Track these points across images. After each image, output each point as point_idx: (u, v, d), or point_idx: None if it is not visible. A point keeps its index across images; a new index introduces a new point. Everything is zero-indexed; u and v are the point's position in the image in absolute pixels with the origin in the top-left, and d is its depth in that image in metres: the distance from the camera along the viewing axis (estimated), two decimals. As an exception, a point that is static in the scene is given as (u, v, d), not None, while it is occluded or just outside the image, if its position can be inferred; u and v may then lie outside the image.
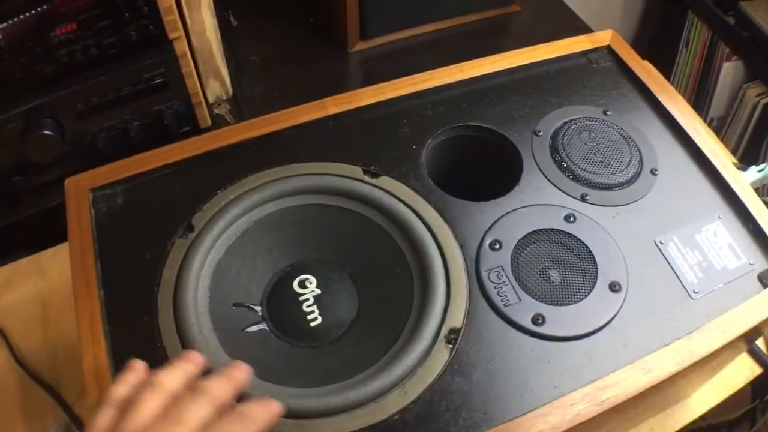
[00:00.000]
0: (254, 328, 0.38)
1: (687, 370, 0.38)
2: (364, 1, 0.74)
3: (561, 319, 0.36)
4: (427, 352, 0.34)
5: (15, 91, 0.58)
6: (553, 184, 0.42)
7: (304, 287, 0.39)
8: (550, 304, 0.37)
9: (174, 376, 0.30)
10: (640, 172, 0.44)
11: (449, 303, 0.36)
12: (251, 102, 0.73)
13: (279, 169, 0.42)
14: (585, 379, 0.35)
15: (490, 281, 0.37)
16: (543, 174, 0.43)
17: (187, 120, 0.67)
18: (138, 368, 0.31)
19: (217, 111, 0.72)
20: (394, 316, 0.37)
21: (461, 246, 0.39)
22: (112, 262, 0.40)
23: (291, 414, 0.32)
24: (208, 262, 0.39)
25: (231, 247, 0.40)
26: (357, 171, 0.42)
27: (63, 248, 0.40)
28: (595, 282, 0.38)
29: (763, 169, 0.63)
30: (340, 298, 0.39)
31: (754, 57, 1.04)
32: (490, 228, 0.39)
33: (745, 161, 0.71)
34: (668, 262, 0.40)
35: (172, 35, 0.61)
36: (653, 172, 0.44)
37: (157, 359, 0.35)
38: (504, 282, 0.37)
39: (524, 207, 0.41)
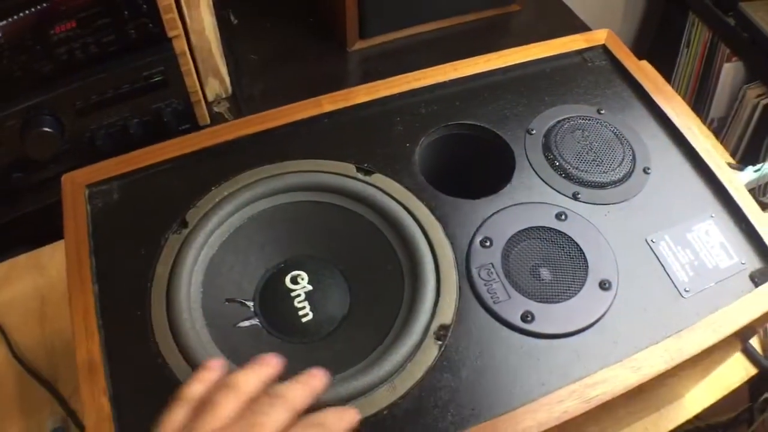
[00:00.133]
0: (246, 323, 0.38)
1: (679, 369, 0.38)
2: (363, 1, 0.74)
3: (550, 316, 0.36)
4: (417, 347, 0.35)
5: (15, 89, 0.59)
6: (545, 183, 0.42)
7: (296, 283, 0.39)
8: (540, 302, 0.37)
9: (251, 378, 0.29)
10: (632, 171, 0.44)
11: (439, 299, 0.36)
12: (250, 100, 0.73)
13: (273, 166, 0.42)
14: (574, 377, 0.35)
15: (480, 278, 0.37)
16: (535, 172, 0.43)
17: (186, 118, 0.67)
18: (214, 367, 0.31)
19: (216, 109, 0.73)
20: (384, 313, 0.37)
21: (452, 243, 0.39)
22: (107, 257, 0.40)
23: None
24: (201, 257, 0.39)
25: (224, 243, 0.40)
26: (350, 168, 0.42)
27: (62, 245, 0.41)
28: (585, 280, 0.38)
29: (759, 169, 0.63)
30: (331, 294, 0.39)
31: (754, 58, 1.04)
32: (481, 225, 0.39)
33: (745, 162, 0.71)
34: (659, 261, 0.40)
35: (171, 34, 0.62)
36: (646, 170, 0.44)
37: (150, 354, 0.36)
38: (494, 279, 0.37)
39: (515, 205, 0.41)
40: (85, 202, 0.43)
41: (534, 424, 0.33)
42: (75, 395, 0.54)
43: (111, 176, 0.44)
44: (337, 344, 0.37)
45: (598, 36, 0.52)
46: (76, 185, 0.43)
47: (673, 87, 1.23)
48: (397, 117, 0.45)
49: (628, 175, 0.44)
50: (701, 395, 0.58)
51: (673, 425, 0.57)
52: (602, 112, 0.47)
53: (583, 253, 0.39)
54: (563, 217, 0.40)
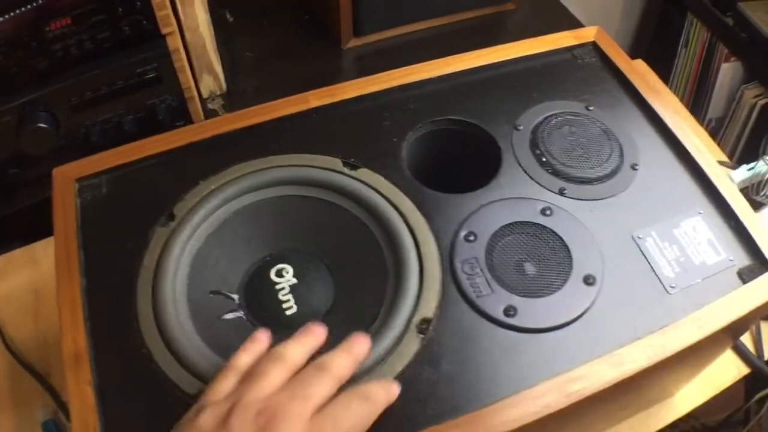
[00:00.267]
0: (231, 315, 0.38)
1: (663, 365, 0.37)
2: (358, -1, 0.75)
3: (533, 311, 0.36)
4: (398, 340, 0.35)
5: (10, 85, 0.59)
6: (532, 178, 0.42)
7: (281, 276, 0.40)
8: (523, 296, 0.37)
9: (298, 349, 0.30)
10: (620, 167, 0.44)
11: (422, 293, 0.36)
12: (245, 97, 0.73)
13: (259, 160, 0.42)
14: (555, 372, 0.35)
15: (464, 272, 0.37)
16: (521, 168, 0.43)
17: (180, 114, 0.68)
18: (262, 339, 0.31)
19: (210, 106, 0.73)
20: (368, 306, 0.37)
21: (437, 238, 0.39)
22: (95, 250, 0.40)
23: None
24: (187, 250, 0.39)
25: (210, 237, 0.40)
26: (336, 163, 0.42)
27: (55, 239, 0.41)
28: (570, 275, 0.38)
29: (752, 168, 0.63)
30: (315, 287, 0.39)
31: (752, 58, 1.03)
32: (465, 220, 0.39)
33: (742, 162, 0.71)
34: (645, 257, 0.40)
35: (165, 30, 0.62)
36: (634, 167, 0.44)
37: (135, 345, 0.36)
38: (477, 273, 0.37)
39: (501, 200, 0.41)
40: (74, 195, 0.43)
41: (514, 417, 0.33)
42: (66, 388, 0.54)
43: (100, 170, 0.44)
44: (320, 337, 0.37)
45: (588, 33, 0.52)
46: (67, 179, 0.44)
47: (671, 87, 1.23)
48: (385, 113, 0.46)
49: (615, 171, 0.44)
50: (692, 394, 0.58)
51: (662, 424, 0.57)
52: (591, 108, 0.47)
53: (568, 249, 0.39)
54: (548, 212, 0.40)
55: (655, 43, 1.28)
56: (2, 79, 0.58)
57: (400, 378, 0.34)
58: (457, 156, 0.46)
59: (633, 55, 0.84)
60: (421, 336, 0.35)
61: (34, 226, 0.66)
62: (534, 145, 0.44)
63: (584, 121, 0.46)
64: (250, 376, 0.29)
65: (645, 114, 0.48)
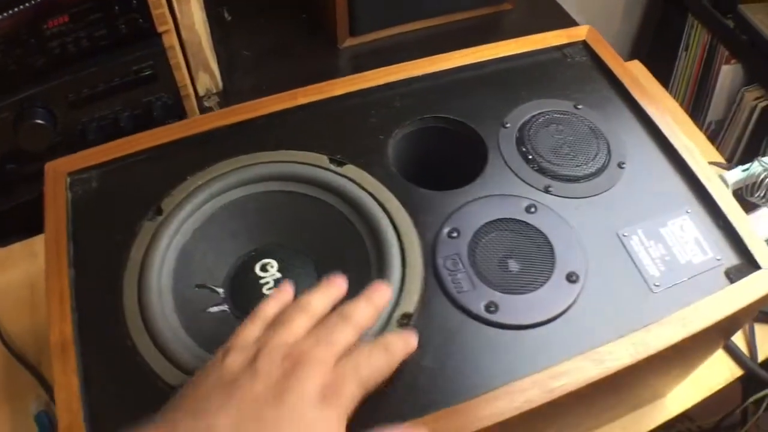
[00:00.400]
0: (215, 309, 0.39)
1: (647, 364, 0.37)
2: (354, -1, 0.75)
3: (514, 307, 0.37)
4: (379, 334, 0.35)
5: (8, 82, 0.60)
6: (517, 176, 0.42)
7: (266, 271, 0.40)
8: (505, 293, 0.37)
9: (322, 299, 0.32)
10: (606, 165, 0.44)
11: (403, 288, 0.37)
12: (241, 95, 0.74)
13: (247, 156, 0.43)
14: (537, 368, 0.35)
15: (446, 268, 0.37)
16: (507, 165, 0.43)
17: (176, 112, 0.69)
18: (287, 290, 0.33)
19: (206, 104, 0.74)
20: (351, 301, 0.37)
21: (420, 234, 0.39)
22: (84, 243, 0.41)
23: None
24: (173, 244, 0.40)
25: (197, 231, 0.41)
26: (323, 159, 0.42)
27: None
28: (552, 272, 0.38)
29: (747, 169, 0.63)
30: (300, 282, 0.39)
31: (752, 60, 1.03)
32: (449, 217, 0.40)
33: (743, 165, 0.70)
34: (629, 255, 0.40)
35: (160, 28, 0.63)
36: (621, 165, 0.44)
37: (120, 336, 0.36)
38: (459, 269, 0.37)
39: (485, 197, 0.41)
40: (65, 189, 0.44)
41: (495, 412, 0.33)
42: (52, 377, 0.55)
43: (91, 165, 0.45)
44: (303, 331, 0.37)
45: (579, 32, 0.52)
46: (58, 173, 0.44)
47: (671, 89, 1.23)
48: (372, 110, 0.46)
49: (601, 169, 0.44)
50: (683, 395, 0.58)
51: (654, 424, 0.57)
52: (579, 107, 0.47)
53: (551, 246, 0.39)
54: (533, 209, 0.41)
55: (656, 45, 1.27)
56: (0, 76, 0.59)
57: (380, 372, 0.34)
58: (443, 154, 0.46)
59: (634, 57, 0.84)
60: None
61: (32, 221, 0.66)
62: (520, 143, 0.44)
63: (572, 119, 0.46)
64: (275, 323, 0.30)
65: (634, 113, 0.48)
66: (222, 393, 0.27)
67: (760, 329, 0.62)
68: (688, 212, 0.43)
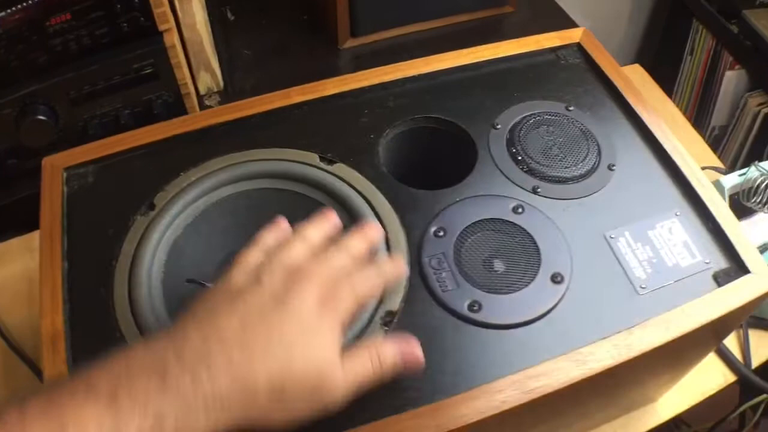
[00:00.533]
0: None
1: (632, 367, 0.37)
2: (354, 0, 0.76)
3: (498, 307, 0.37)
4: (362, 332, 0.35)
5: (11, 78, 0.61)
6: (506, 176, 0.43)
7: (254, 266, 0.40)
8: (489, 292, 0.37)
9: (317, 230, 0.34)
10: (596, 167, 0.44)
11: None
12: (241, 94, 0.75)
13: (239, 153, 0.43)
14: (517, 368, 0.35)
15: (431, 267, 0.38)
16: (496, 166, 0.43)
17: (176, 110, 0.69)
18: (284, 222, 0.35)
19: (207, 102, 0.74)
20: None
21: (407, 232, 0.39)
22: (78, 236, 0.41)
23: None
24: (165, 239, 0.40)
25: (188, 227, 0.41)
26: (314, 158, 0.43)
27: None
28: (537, 273, 0.38)
29: (744, 174, 0.63)
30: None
31: (756, 66, 1.02)
32: (436, 216, 0.40)
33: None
34: (616, 257, 0.40)
35: (161, 27, 0.63)
36: (610, 167, 0.44)
37: (109, 328, 0.37)
38: (444, 268, 0.38)
39: (473, 197, 0.41)
40: (62, 184, 0.44)
41: (472, 411, 0.33)
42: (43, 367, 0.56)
43: (87, 160, 0.45)
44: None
45: (573, 34, 0.52)
46: (55, 168, 0.45)
47: (676, 94, 1.22)
48: (365, 109, 0.46)
49: (591, 171, 0.44)
50: (675, 400, 0.58)
51: (645, 428, 0.57)
52: (571, 109, 0.47)
53: (537, 246, 0.39)
54: (520, 210, 0.41)
55: (661, 50, 1.27)
56: (3, 72, 0.60)
57: (362, 368, 0.34)
58: (434, 154, 0.47)
59: (639, 62, 0.84)
60: (386, 328, 0.36)
61: (32, 216, 0.67)
62: (511, 144, 0.44)
63: (563, 121, 0.46)
64: (275, 249, 0.33)
65: (627, 115, 0.48)
66: (228, 302, 0.30)
67: (754, 335, 0.61)
68: (677, 215, 0.43)
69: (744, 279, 0.40)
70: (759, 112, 1.03)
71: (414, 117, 0.46)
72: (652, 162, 0.45)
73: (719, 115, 1.12)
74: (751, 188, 0.62)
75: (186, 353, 0.27)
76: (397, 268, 0.35)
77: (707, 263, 0.41)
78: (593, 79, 0.50)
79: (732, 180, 0.63)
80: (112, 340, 0.37)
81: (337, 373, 0.30)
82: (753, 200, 0.62)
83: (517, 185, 0.42)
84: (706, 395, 0.59)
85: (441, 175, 0.44)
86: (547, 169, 0.43)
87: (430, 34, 0.83)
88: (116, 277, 0.39)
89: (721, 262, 0.41)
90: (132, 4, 0.61)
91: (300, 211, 0.42)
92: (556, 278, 0.38)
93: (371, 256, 0.35)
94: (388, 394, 0.34)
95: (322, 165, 0.42)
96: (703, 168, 0.71)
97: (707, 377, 0.59)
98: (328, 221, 0.35)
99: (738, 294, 0.40)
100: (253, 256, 0.33)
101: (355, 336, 0.35)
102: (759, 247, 0.61)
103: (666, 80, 1.17)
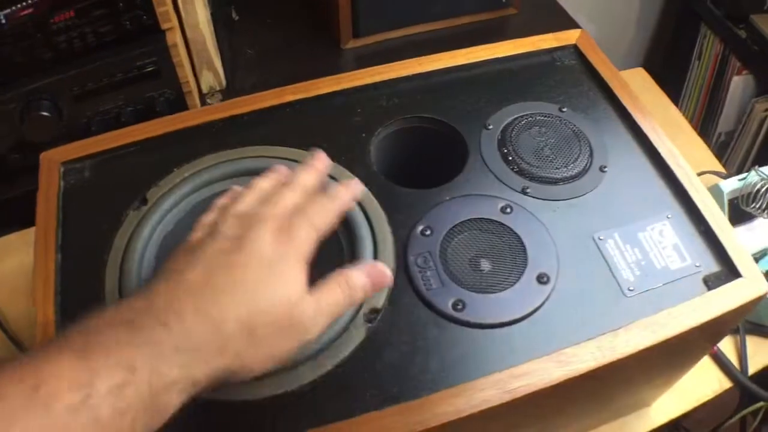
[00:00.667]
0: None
1: (616, 369, 0.37)
2: (357, 1, 0.76)
3: (482, 306, 0.37)
4: (345, 328, 0.35)
5: (16, 74, 0.62)
6: (496, 176, 0.43)
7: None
8: (473, 291, 0.37)
9: (268, 180, 0.35)
10: (587, 169, 0.44)
11: (373, 283, 0.37)
12: (243, 94, 0.75)
13: (232, 151, 0.44)
14: (501, 367, 0.35)
15: (416, 266, 0.38)
16: (487, 166, 0.43)
17: (178, 108, 0.70)
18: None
19: (209, 101, 0.75)
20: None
21: (394, 231, 0.39)
22: (72, 230, 0.42)
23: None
24: (156, 233, 0.41)
25: (180, 221, 0.42)
26: (304, 155, 0.43)
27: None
28: (523, 273, 0.38)
29: (744, 178, 0.62)
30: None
31: (763, 71, 1.01)
32: (424, 215, 0.40)
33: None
34: (604, 259, 0.40)
35: (164, 26, 0.64)
36: (602, 169, 0.44)
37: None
38: (429, 267, 0.38)
39: (461, 197, 0.41)
40: (59, 178, 0.45)
41: (452, 409, 0.33)
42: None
43: (84, 155, 0.46)
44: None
45: (570, 36, 0.52)
46: (52, 162, 0.46)
47: (684, 99, 1.21)
48: (358, 109, 0.47)
49: (582, 172, 0.44)
50: (669, 405, 0.57)
51: (636, 434, 0.56)
52: (564, 110, 0.47)
53: (524, 246, 0.39)
54: (508, 210, 0.41)
55: (669, 56, 1.26)
56: (8, 68, 0.61)
57: (344, 365, 0.35)
58: (426, 153, 0.47)
59: (647, 66, 0.83)
60: (369, 325, 0.36)
61: (31, 212, 0.68)
62: (502, 144, 0.44)
63: (555, 122, 0.46)
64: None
65: (620, 117, 0.48)
66: (190, 255, 0.30)
67: (751, 341, 0.61)
68: (668, 217, 0.43)
69: (735, 283, 0.40)
70: (765, 117, 1.01)
71: (406, 116, 0.46)
72: (645, 164, 0.45)
73: (726, 120, 1.10)
74: (750, 193, 0.61)
75: (154, 304, 0.28)
76: (350, 190, 0.35)
77: (698, 266, 0.41)
78: (588, 80, 0.50)
79: (731, 184, 0.62)
80: (101, 331, 0.37)
81: (305, 305, 0.30)
82: (752, 205, 0.61)
83: (506, 185, 0.42)
84: (701, 401, 0.58)
85: (432, 174, 0.44)
86: (538, 169, 0.43)
87: (432, 36, 0.83)
88: (108, 269, 0.40)
89: (712, 266, 0.41)
90: (135, 3, 0.62)
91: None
92: (542, 279, 0.38)
93: (323, 187, 0.35)
94: (371, 391, 0.34)
95: (313, 162, 0.43)
96: (703, 172, 0.70)
97: (702, 382, 0.58)
98: (278, 172, 0.36)
99: (728, 298, 0.39)
100: (208, 217, 0.33)
101: (337, 334, 0.35)
102: (758, 252, 0.60)
103: (673, 85, 1.17)
